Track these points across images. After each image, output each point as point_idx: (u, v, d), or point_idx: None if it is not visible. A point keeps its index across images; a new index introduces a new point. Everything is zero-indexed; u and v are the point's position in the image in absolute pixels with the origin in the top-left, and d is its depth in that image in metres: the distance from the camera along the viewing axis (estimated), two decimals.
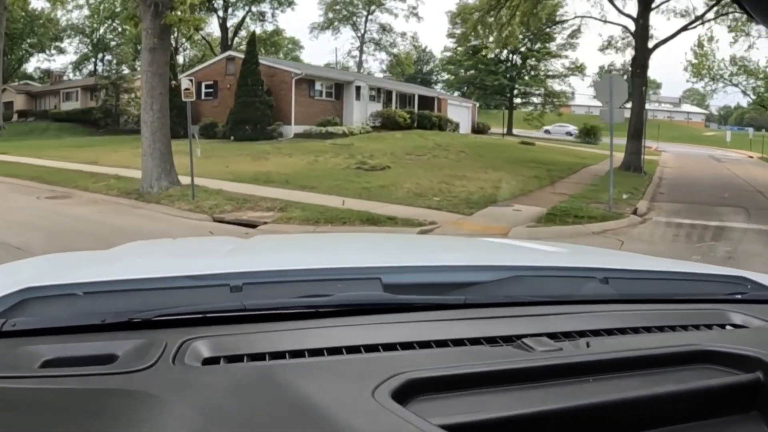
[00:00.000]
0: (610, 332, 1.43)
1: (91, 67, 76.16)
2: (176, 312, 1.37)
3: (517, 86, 68.21)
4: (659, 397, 1.11)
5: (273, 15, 69.98)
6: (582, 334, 1.39)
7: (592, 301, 1.68)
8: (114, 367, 1.14)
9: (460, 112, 52.41)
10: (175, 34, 50.53)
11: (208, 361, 1.19)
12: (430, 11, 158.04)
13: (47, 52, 73.19)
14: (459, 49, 68.31)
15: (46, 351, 1.20)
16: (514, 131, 62.37)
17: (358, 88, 40.28)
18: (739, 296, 1.77)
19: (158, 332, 1.29)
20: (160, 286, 1.56)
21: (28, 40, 65.84)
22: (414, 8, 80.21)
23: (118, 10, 68.07)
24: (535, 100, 69.13)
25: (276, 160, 25.39)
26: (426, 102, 48.12)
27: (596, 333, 1.41)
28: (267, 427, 0.94)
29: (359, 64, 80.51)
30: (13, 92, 58.64)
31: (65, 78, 66.58)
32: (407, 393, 1.05)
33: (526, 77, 69.10)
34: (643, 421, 1.10)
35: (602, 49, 42.08)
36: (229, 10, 65.02)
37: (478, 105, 59.67)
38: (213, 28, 70.51)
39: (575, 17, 37.00)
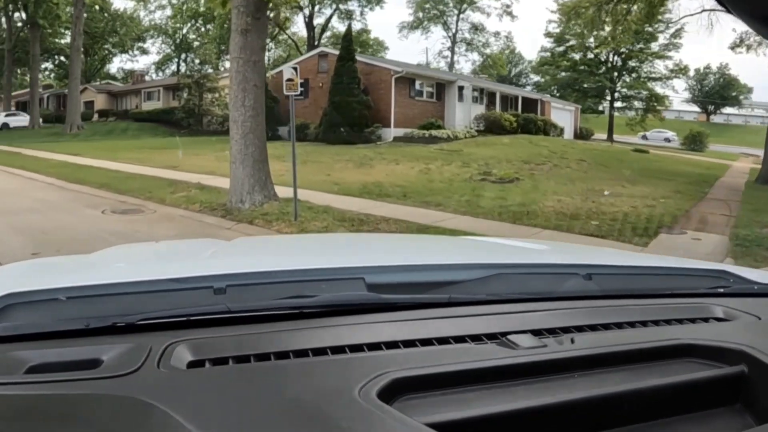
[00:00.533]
0: (593, 328, 1.42)
1: (173, 67, 76.91)
2: (160, 315, 1.35)
3: (618, 89, 63.79)
4: (644, 392, 1.13)
5: (361, 13, 67.13)
6: (566, 330, 1.38)
7: (576, 297, 1.67)
8: (99, 371, 1.13)
9: (562, 116, 49.12)
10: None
11: (193, 364, 1.17)
12: (523, 10, 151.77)
13: (130, 53, 74.03)
14: (558, 49, 64.43)
15: (30, 357, 1.18)
16: (614, 136, 58.87)
17: (460, 89, 37.53)
18: (721, 290, 1.76)
19: (143, 336, 1.28)
20: (143, 290, 1.53)
21: (111, 40, 65.07)
22: (508, 6, 75.34)
23: (201, 10, 69.22)
24: (636, 104, 64.77)
25: (382, 167, 22.22)
26: (529, 105, 45.24)
27: (580, 329, 1.40)
28: (253, 429, 0.94)
29: (450, 65, 76.83)
30: (94, 91, 57.73)
31: (147, 78, 65.67)
32: (393, 392, 1.06)
33: (627, 79, 64.48)
34: (628, 415, 1.11)
35: (733, 47, 36.63)
36: (316, 8, 62.40)
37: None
38: (298, 27, 69.17)
39: (702, 11, 32.46)
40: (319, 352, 1.23)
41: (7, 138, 40.97)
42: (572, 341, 1.31)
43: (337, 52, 34.29)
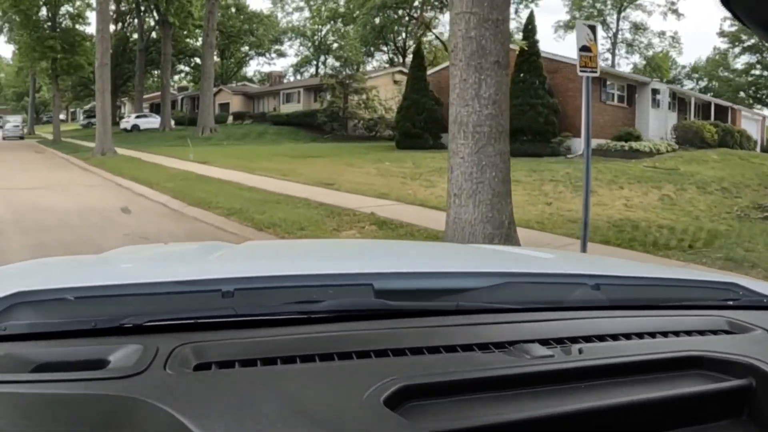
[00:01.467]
0: (601, 338, 1.41)
1: (312, 70, 74.60)
2: (168, 317, 1.34)
3: None
4: (651, 403, 1.13)
5: (516, 11, 60.75)
6: (574, 340, 1.37)
7: (584, 307, 1.66)
8: (105, 372, 1.13)
9: (749, 126, 41.94)
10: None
11: (200, 367, 1.16)
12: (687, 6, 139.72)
13: (267, 55, 73.09)
14: (735, 50, 56.41)
15: (36, 356, 1.18)
16: None
17: (654, 92, 31.62)
18: (730, 302, 1.74)
19: (150, 338, 1.27)
20: (151, 292, 1.53)
21: (248, 40, 62.97)
22: (673, 3, 66.72)
23: (341, 10, 66.01)
24: None
25: (606, 193, 16.34)
26: (720, 113, 38.53)
27: (588, 339, 1.39)
28: None
29: (612, 67, 69.16)
30: (230, 93, 54.86)
31: (285, 79, 62.50)
32: (399, 399, 1.05)
33: None
34: (634, 427, 1.11)
35: None
36: None
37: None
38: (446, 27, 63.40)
39: None
40: (326, 357, 1.21)
41: (134, 140, 37.83)
42: (580, 351, 1.29)
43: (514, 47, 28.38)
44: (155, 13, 50.88)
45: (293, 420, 0.96)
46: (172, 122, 49.21)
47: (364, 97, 40.84)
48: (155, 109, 55.81)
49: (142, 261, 2.36)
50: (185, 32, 51.45)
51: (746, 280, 1.92)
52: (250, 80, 74.42)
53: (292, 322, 1.40)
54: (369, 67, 44.67)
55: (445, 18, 53.13)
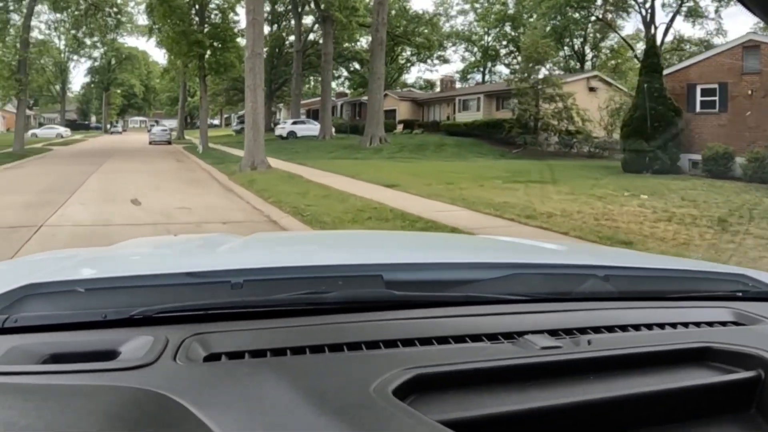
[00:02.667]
0: (611, 329, 1.42)
1: (478, 77, 70.86)
2: (178, 308, 1.36)
3: None
4: (659, 395, 1.13)
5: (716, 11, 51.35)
6: (583, 331, 1.38)
7: (593, 298, 1.66)
8: (115, 363, 1.14)
9: None
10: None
11: (210, 358, 1.17)
12: None
13: (429, 61, 68.71)
14: None
15: (47, 347, 1.19)
16: None
17: None
18: (740, 294, 1.73)
19: (160, 329, 1.28)
20: (161, 283, 1.54)
21: (414, 40, 56.53)
22: None
23: (510, 12, 62.16)
24: None
25: None
26: None
27: (597, 330, 1.40)
28: (268, 424, 0.95)
29: None
30: (396, 98, 49.56)
31: (457, 85, 56.42)
32: (408, 389, 1.05)
33: None
34: (643, 418, 1.11)
35: None
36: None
37: None
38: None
39: None
40: (336, 348, 1.22)
41: (290, 150, 31.63)
42: (589, 342, 1.29)
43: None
44: (315, 9, 46.04)
45: (303, 410, 0.96)
46: (333, 129, 43.60)
47: (560, 105, 34.66)
48: (311, 115, 51.84)
49: (151, 253, 2.40)
50: (347, 31, 46.12)
51: (755, 272, 1.88)
52: (411, 87, 69.99)
53: (301, 312, 1.40)
54: (541, 75, 37.95)
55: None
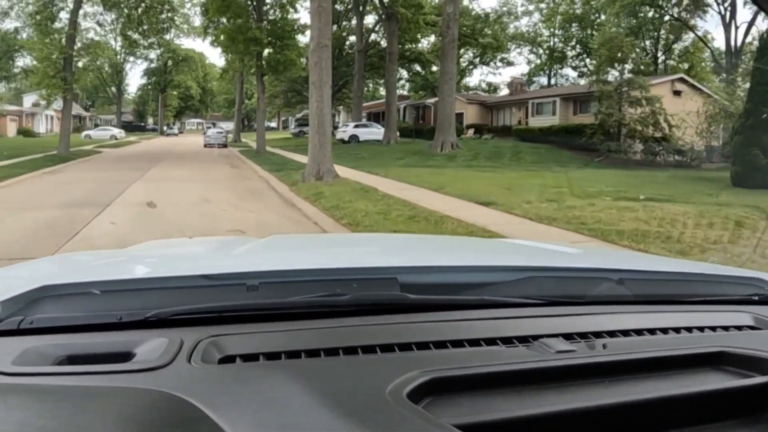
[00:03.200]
0: (626, 333, 1.42)
1: (543, 80, 69.55)
2: (193, 310, 1.36)
3: None
4: (675, 399, 1.12)
5: None
6: (598, 335, 1.38)
7: (608, 302, 1.66)
8: (130, 365, 1.15)
9: None
10: None
11: (224, 360, 1.18)
12: None
13: (492, 64, 66.01)
14: None
15: (62, 348, 1.20)
16: None
17: None
18: (755, 297, 1.73)
19: (174, 331, 1.28)
20: (176, 285, 1.55)
21: (482, 40, 53.59)
22: None
23: (578, 12, 62.00)
24: None
25: None
26: None
27: (612, 334, 1.40)
28: (282, 426, 0.95)
29: None
30: (464, 101, 47.06)
31: (527, 87, 53.10)
32: (422, 393, 1.05)
33: None
34: (657, 422, 1.11)
35: None
36: None
37: None
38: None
39: None
40: (350, 351, 1.22)
41: (356, 155, 28.94)
42: (604, 346, 1.29)
43: None
44: (378, 6, 43.41)
45: (317, 413, 0.96)
46: (397, 134, 40.94)
47: (647, 109, 31.68)
48: (371, 119, 49.58)
49: (167, 255, 2.41)
50: (412, 31, 43.48)
51: None
52: (477, 90, 67.97)
53: (316, 315, 1.40)
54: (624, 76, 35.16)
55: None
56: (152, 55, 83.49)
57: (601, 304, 1.62)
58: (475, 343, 1.29)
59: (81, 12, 33.14)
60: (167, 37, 78.76)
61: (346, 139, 41.77)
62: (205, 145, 46.35)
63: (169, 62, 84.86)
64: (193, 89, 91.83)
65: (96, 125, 76.75)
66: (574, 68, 67.56)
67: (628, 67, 34.57)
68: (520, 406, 1.04)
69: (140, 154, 36.75)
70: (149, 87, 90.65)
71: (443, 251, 2.57)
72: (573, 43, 65.73)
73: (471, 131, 43.43)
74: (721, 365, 1.26)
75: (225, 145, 47.28)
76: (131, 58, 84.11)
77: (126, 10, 35.35)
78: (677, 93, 35.21)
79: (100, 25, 45.33)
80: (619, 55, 32.78)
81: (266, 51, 35.31)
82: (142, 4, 35.48)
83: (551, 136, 35.75)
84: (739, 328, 1.51)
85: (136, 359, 1.16)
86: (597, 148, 31.17)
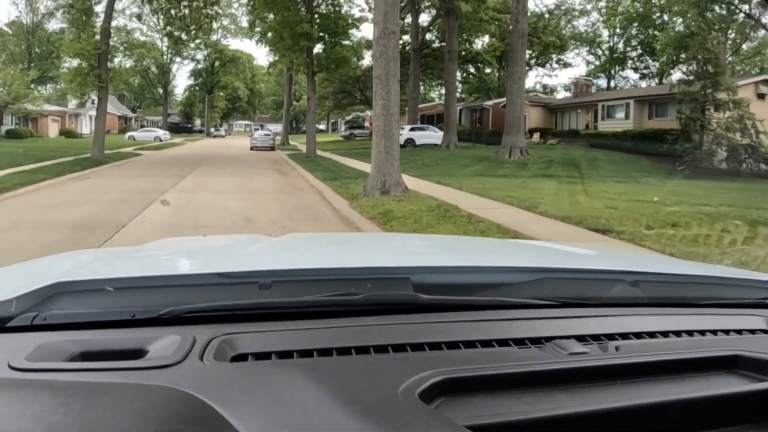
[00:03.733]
0: (639, 336, 1.42)
1: (602, 82, 65.66)
2: (206, 308, 1.37)
3: None
4: (687, 403, 1.12)
5: None
6: (611, 337, 1.38)
7: (622, 304, 1.66)
8: (143, 362, 1.15)
9: None
10: None
11: (237, 358, 1.19)
12: None
13: (548, 66, 65.72)
14: None
15: (76, 345, 1.21)
16: None
17: None
18: None
19: (187, 328, 1.29)
20: (189, 283, 1.56)
21: (545, 38, 51.64)
22: None
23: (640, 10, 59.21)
24: None
25: None
26: None
27: (625, 336, 1.40)
28: (294, 424, 0.96)
29: None
30: (526, 104, 42.80)
31: (593, 89, 51.36)
32: (434, 393, 1.06)
33: None
34: (670, 426, 1.11)
35: None
36: None
37: None
38: None
39: None
40: (362, 350, 1.23)
41: (416, 162, 26.45)
42: (617, 349, 1.30)
43: None
44: (437, 1, 40.77)
45: (329, 411, 0.96)
46: (455, 138, 38.00)
47: (735, 113, 29.04)
48: (424, 122, 46.80)
49: (180, 253, 2.39)
50: (473, 25, 40.92)
51: None
52: (537, 92, 65.87)
53: (329, 314, 1.41)
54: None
55: None
56: (199, 55, 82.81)
57: (615, 306, 1.61)
58: (487, 344, 1.29)
59: (125, 11, 31.09)
60: (214, 37, 78.30)
61: (402, 143, 38.72)
62: (252, 148, 44.09)
63: (216, 63, 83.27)
64: (240, 90, 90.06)
65: (142, 126, 75.28)
66: (635, 70, 65.43)
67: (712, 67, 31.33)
68: (532, 408, 1.04)
69: (181, 157, 34.35)
70: (196, 88, 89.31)
71: (456, 252, 2.58)
72: (634, 44, 63.28)
73: (537, 135, 40.48)
74: (735, 369, 1.25)
75: (273, 148, 44.96)
76: (178, 59, 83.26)
77: (166, 4, 32.78)
78: (761, 96, 32.58)
79: (139, 18, 43.19)
80: (705, 54, 29.69)
81: (317, 48, 32.75)
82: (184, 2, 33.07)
83: (625, 141, 33.28)
84: (752, 331, 1.49)
85: (149, 356, 1.17)
86: (678, 155, 28.37)
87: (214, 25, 40.69)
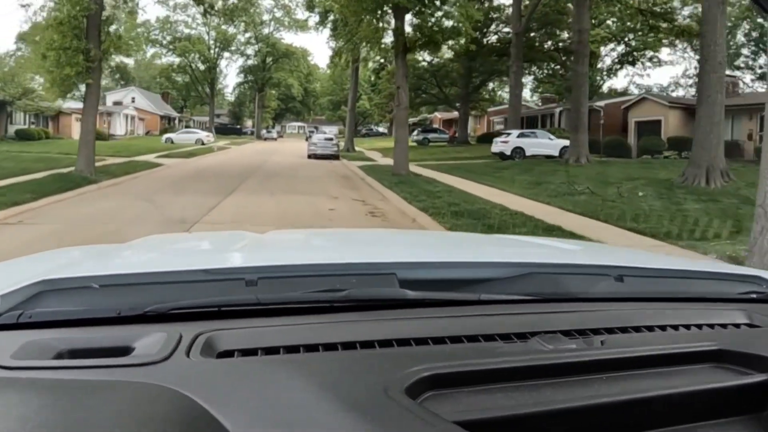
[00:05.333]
0: (624, 330, 1.43)
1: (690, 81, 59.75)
2: (191, 305, 1.37)
3: None
4: (671, 397, 1.13)
5: None
6: (596, 331, 1.39)
7: (607, 298, 1.68)
8: (129, 359, 1.16)
9: None
10: None
11: (223, 354, 1.19)
12: None
13: (639, 63, 56.25)
14: None
15: (61, 342, 1.21)
16: None
17: None
18: (754, 295, 1.73)
19: (173, 325, 1.29)
20: (175, 280, 1.55)
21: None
22: None
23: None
24: None
25: None
26: None
27: (610, 331, 1.41)
28: (280, 420, 0.96)
29: None
30: (664, 105, 35.85)
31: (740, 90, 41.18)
32: (421, 388, 1.07)
33: None
34: (654, 419, 1.12)
35: None
36: None
37: None
38: None
39: None
40: (349, 346, 1.24)
41: (560, 194, 16.27)
42: (602, 343, 1.31)
43: None
44: None
45: (315, 408, 0.97)
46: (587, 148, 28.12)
47: None
48: (524, 126, 38.52)
49: (166, 250, 2.39)
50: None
51: None
52: (608, 95, 56.33)
53: (315, 310, 1.42)
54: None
55: None
56: (249, 50, 75.10)
57: (600, 301, 1.63)
58: (473, 339, 1.30)
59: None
60: (266, 30, 70.31)
61: (509, 153, 30.27)
62: (310, 156, 35.48)
63: (268, 58, 74.96)
64: (294, 88, 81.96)
65: (187, 127, 67.37)
66: (739, 68, 56.45)
67: None
68: (518, 403, 1.06)
69: (216, 169, 25.42)
70: (246, 86, 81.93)
71: (442, 247, 2.59)
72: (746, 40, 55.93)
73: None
74: (719, 363, 1.26)
75: (337, 157, 36.08)
76: (226, 54, 75.69)
77: None
78: None
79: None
80: None
81: (408, 16, 22.59)
82: None
83: None
84: (737, 326, 1.51)
85: (135, 353, 1.17)
86: None
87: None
